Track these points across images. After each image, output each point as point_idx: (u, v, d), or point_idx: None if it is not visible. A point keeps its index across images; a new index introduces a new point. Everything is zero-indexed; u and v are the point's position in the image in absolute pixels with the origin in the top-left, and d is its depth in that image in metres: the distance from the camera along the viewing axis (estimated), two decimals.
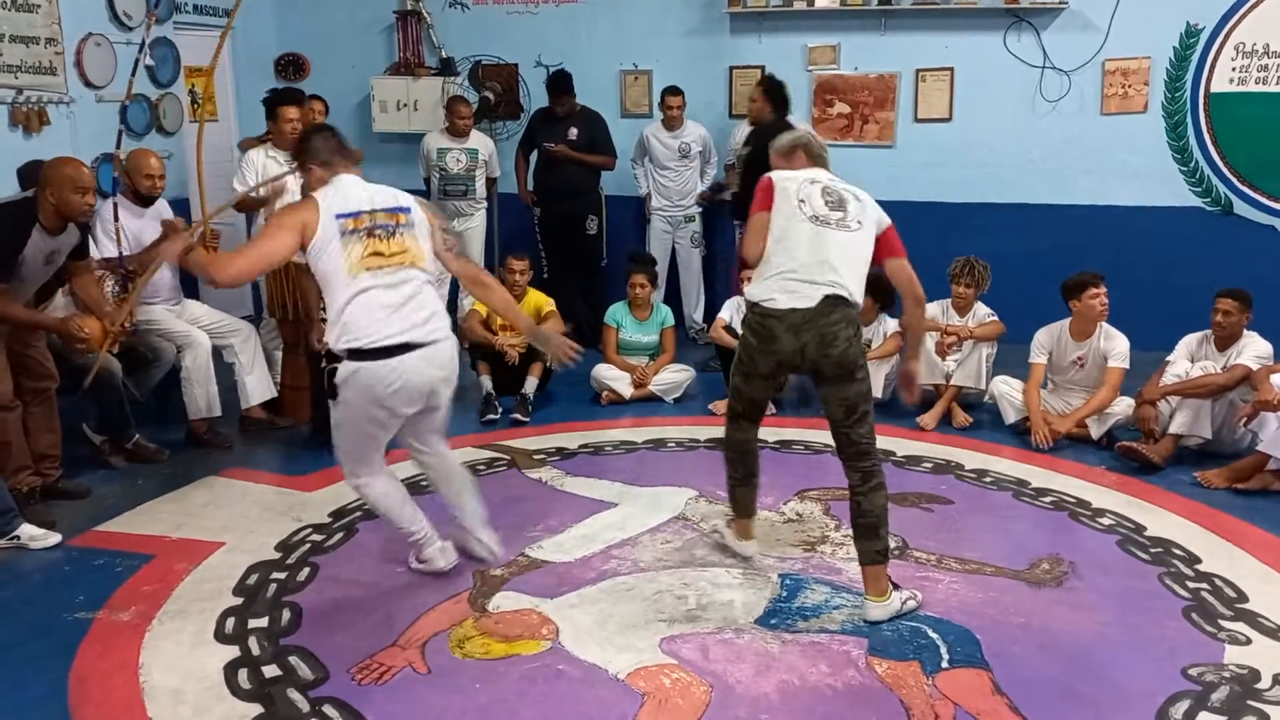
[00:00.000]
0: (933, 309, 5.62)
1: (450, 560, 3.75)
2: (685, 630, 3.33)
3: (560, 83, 6.83)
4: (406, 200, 3.53)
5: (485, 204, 7.02)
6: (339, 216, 3.35)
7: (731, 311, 5.81)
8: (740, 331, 3.63)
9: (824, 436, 5.21)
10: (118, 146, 4.94)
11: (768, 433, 5.28)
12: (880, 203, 3.63)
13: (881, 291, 5.65)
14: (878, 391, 5.55)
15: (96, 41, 6.05)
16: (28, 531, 3.95)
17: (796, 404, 5.66)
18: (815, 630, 3.33)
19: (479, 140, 6.95)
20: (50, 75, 5.80)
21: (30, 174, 4.79)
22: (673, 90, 6.83)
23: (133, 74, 5.23)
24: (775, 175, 3.55)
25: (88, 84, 6.02)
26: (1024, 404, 5.23)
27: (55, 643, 3.27)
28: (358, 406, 3.38)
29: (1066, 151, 6.85)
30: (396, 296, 3.36)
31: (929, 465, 4.88)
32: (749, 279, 3.63)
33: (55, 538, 3.99)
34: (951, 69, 6.90)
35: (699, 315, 7.21)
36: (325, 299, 3.42)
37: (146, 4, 6.32)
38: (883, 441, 5.11)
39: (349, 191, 3.43)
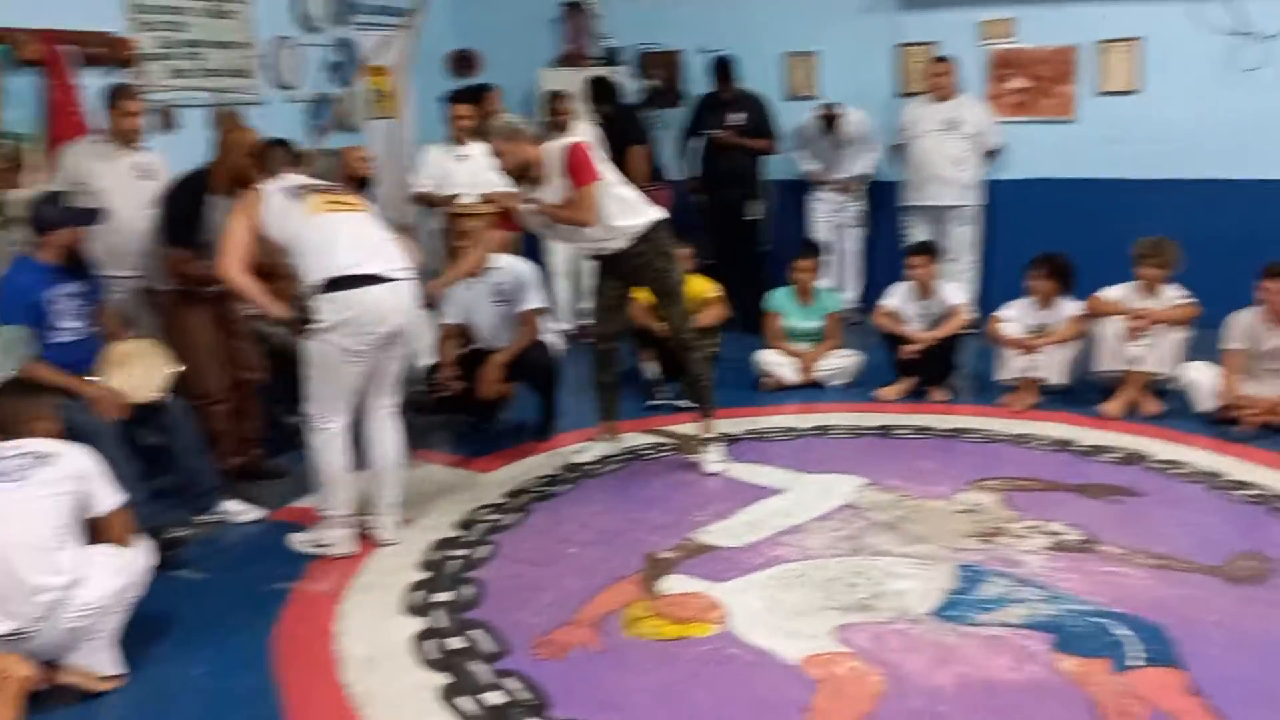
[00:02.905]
0: (1118, 292, 5.35)
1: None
2: (858, 619, 3.29)
3: (724, 68, 6.82)
4: None
5: None
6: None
7: (899, 298, 5.69)
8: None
9: (997, 425, 5.09)
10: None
11: (937, 420, 5.18)
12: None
13: (1061, 274, 5.44)
14: (1061, 376, 5.35)
15: (286, 44, 6.39)
16: (231, 506, 4.23)
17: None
18: (995, 624, 3.23)
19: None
20: (245, 78, 6.17)
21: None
22: (829, 114, 6.80)
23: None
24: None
25: (278, 85, 6.38)
26: (1224, 391, 4.93)
27: (259, 610, 3.49)
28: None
29: (1263, 123, 6.38)
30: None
31: (1115, 456, 4.66)
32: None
33: (256, 512, 4.26)
34: (1138, 38, 6.53)
35: (854, 296, 7.11)
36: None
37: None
38: (1064, 430, 4.96)
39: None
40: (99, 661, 2.98)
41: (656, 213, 4.51)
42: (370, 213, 3.95)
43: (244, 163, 4.18)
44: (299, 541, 3.93)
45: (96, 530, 3.05)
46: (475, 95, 6.64)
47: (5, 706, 2.14)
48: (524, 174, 4.38)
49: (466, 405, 5.21)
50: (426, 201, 6.06)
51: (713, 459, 4.62)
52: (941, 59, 6.67)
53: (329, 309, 3.65)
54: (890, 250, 6.89)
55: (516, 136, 4.33)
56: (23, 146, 4.88)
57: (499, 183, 6.09)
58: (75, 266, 3.95)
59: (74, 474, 2.96)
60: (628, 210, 4.43)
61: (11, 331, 3.64)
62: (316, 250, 3.68)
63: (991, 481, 4.38)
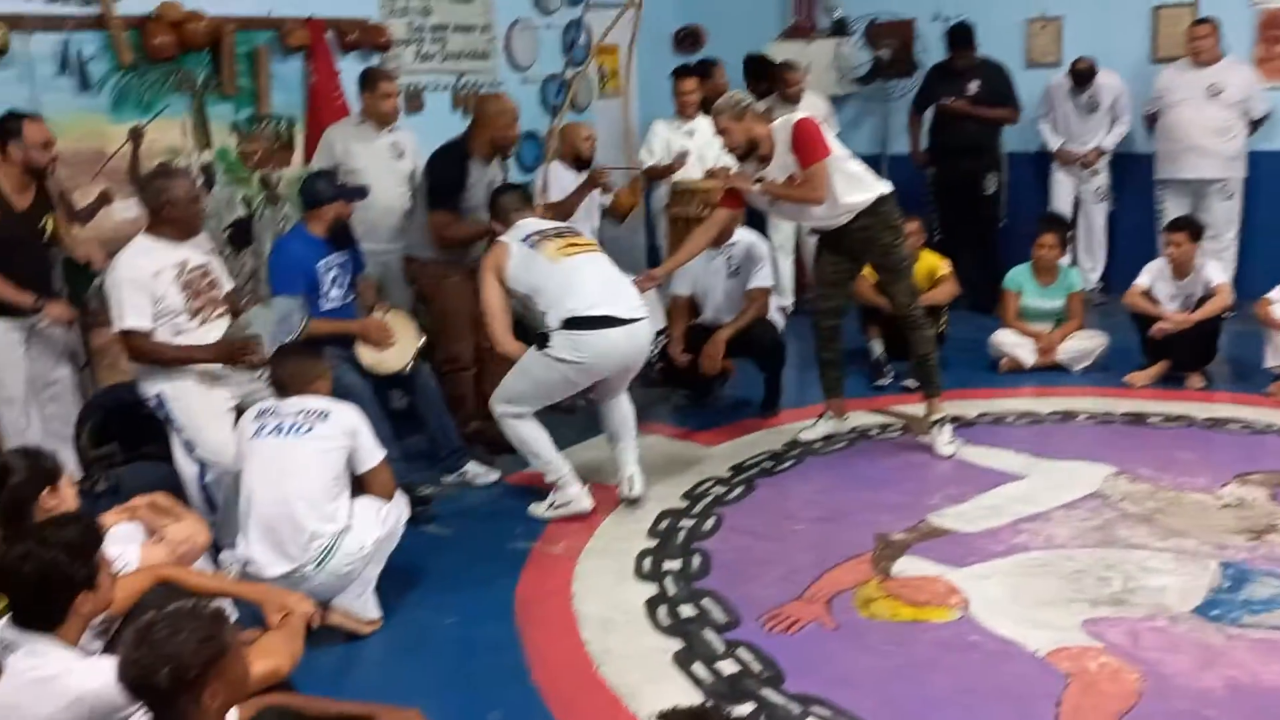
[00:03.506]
0: None
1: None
2: (1110, 613, 3.11)
3: (960, 35, 6.56)
4: None
5: None
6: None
7: (1153, 277, 5.31)
8: None
9: (1264, 415, 4.69)
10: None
11: (1195, 408, 4.82)
12: None
13: None
14: None
15: (522, 26, 6.61)
16: (472, 469, 4.43)
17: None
18: (1267, 626, 3.00)
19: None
20: (484, 60, 6.42)
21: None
22: (1084, 68, 6.48)
23: None
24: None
25: (514, 66, 6.60)
26: None
27: (500, 567, 3.65)
28: None
29: None
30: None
31: None
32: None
33: (495, 475, 4.45)
34: None
35: (1097, 276, 6.70)
36: None
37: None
38: None
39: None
40: (362, 605, 3.21)
41: (884, 186, 4.38)
42: (603, 253, 4.12)
43: (507, 132, 4.47)
44: (539, 511, 4.05)
45: (360, 483, 3.27)
46: (700, 70, 6.66)
47: (295, 638, 2.35)
48: (750, 151, 4.32)
49: (688, 379, 5.26)
50: (654, 175, 6.14)
51: (945, 441, 4.47)
52: (1203, 20, 6.17)
53: (563, 343, 3.81)
54: (1136, 227, 6.50)
55: (743, 114, 4.27)
56: (291, 128, 5.28)
57: (724, 158, 6.13)
58: (341, 239, 4.24)
59: (347, 430, 3.19)
60: (855, 185, 4.31)
61: (285, 302, 3.93)
62: (558, 292, 3.85)
63: (1258, 475, 4.05)
